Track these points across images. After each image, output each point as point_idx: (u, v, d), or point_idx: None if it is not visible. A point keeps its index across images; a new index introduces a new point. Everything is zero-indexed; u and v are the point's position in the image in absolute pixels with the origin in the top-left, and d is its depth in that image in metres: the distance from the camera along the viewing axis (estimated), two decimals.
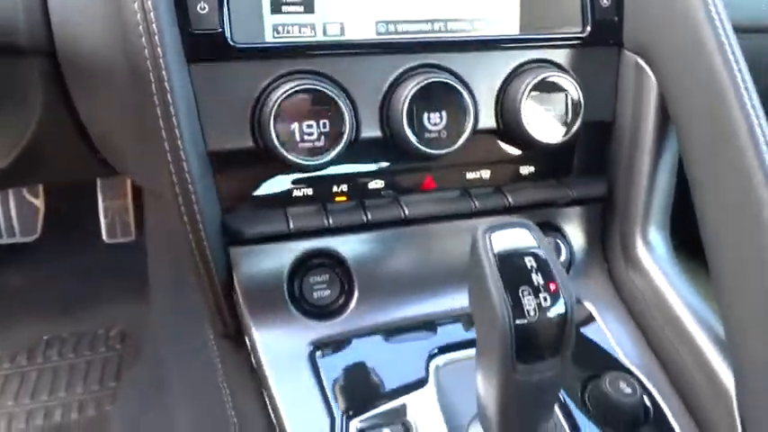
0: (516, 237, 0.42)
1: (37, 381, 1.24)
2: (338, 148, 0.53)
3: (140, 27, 0.46)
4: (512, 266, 0.41)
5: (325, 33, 0.55)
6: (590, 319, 0.60)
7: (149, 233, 1.22)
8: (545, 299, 0.40)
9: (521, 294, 0.40)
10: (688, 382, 0.53)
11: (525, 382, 0.41)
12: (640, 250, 0.61)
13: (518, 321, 0.39)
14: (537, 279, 0.41)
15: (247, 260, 0.55)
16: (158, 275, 1.15)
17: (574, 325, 0.41)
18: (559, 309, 0.40)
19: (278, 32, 0.54)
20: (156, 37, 0.47)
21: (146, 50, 0.47)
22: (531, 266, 0.41)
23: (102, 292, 1.39)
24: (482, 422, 0.47)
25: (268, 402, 0.50)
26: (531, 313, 0.40)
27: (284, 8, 0.53)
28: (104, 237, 1.35)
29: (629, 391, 0.51)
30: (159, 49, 0.47)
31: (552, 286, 0.41)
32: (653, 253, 0.61)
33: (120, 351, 1.31)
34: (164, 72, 0.47)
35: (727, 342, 0.51)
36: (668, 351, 0.56)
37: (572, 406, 0.51)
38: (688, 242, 0.63)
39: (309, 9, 0.54)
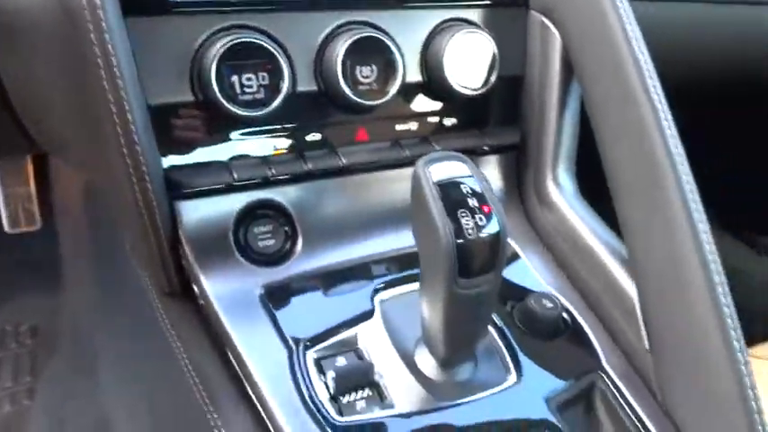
0: (452, 168, 0.47)
1: None
2: (278, 100, 0.55)
3: None
4: (450, 193, 0.46)
5: None
6: (512, 253, 0.66)
7: (61, 219, 1.17)
8: (481, 219, 0.45)
9: (460, 217, 0.45)
10: (598, 299, 0.61)
11: (467, 294, 0.46)
12: (552, 190, 0.69)
13: (459, 240, 0.44)
14: (473, 203, 0.46)
15: (192, 213, 0.56)
16: (74, 261, 1.11)
17: (506, 242, 0.46)
18: (494, 227, 0.45)
19: None
20: None
21: (84, 3, 0.47)
22: (467, 192, 0.46)
23: (7, 287, 1.31)
24: (427, 343, 0.52)
25: (227, 347, 0.52)
26: (470, 233, 0.45)
27: None
28: (6, 227, 1.27)
29: (550, 305, 0.57)
30: (98, 1, 0.47)
31: (486, 209, 0.46)
32: (563, 192, 0.68)
33: (32, 346, 1.25)
34: (103, 24, 0.47)
35: (629, 261, 0.59)
36: (579, 274, 0.63)
37: (502, 324, 0.57)
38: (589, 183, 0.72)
39: None
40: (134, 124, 0.49)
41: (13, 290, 1.30)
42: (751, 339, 0.55)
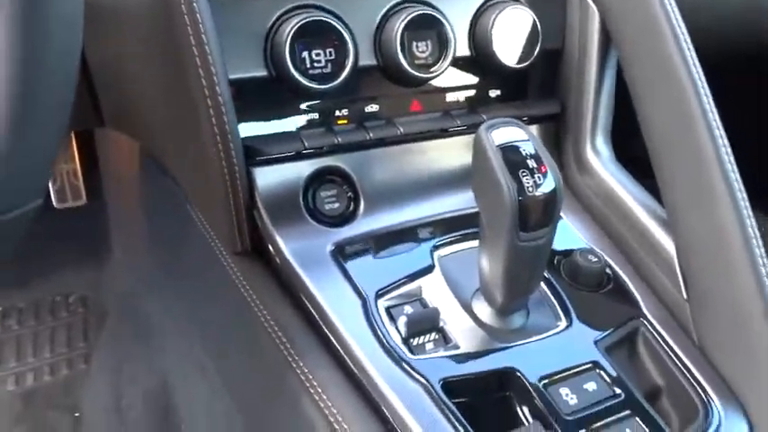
0: (512, 132, 0.52)
1: (0, 350, 1.23)
2: (344, 74, 0.60)
3: None
4: (511, 155, 0.51)
5: None
6: None
7: (110, 193, 1.22)
8: (539, 178, 0.50)
9: (521, 176, 0.50)
10: (637, 255, 0.65)
11: (526, 247, 0.51)
12: (590, 157, 0.73)
13: (521, 198, 0.49)
14: (531, 164, 0.51)
15: (267, 178, 0.61)
16: (125, 232, 1.17)
17: (562, 198, 0.51)
18: (550, 185, 0.50)
19: None
20: None
21: None
22: (526, 154, 0.51)
23: (55, 259, 1.37)
24: (484, 293, 0.57)
25: (304, 298, 0.58)
26: (530, 190, 0.50)
27: None
28: (54, 202, 1.33)
29: (594, 259, 0.63)
30: None
31: (543, 169, 0.51)
32: (600, 158, 0.73)
33: (84, 315, 1.31)
34: (194, 4, 0.52)
35: (667, 219, 0.63)
36: (619, 233, 0.68)
37: (551, 278, 0.62)
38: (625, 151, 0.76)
39: None
40: (222, 96, 0.55)
41: (62, 263, 1.37)
42: None
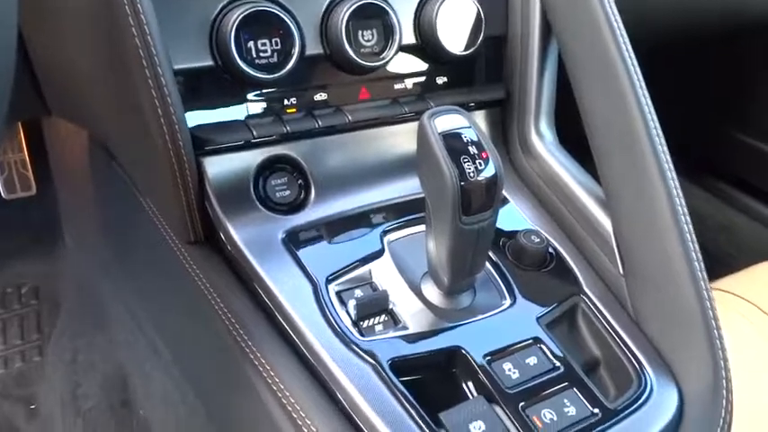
0: (454, 120, 0.54)
1: None
2: (290, 63, 0.61)
3: None
4: (453, 142, 0.52)
5: None
6: (502, 198, 0.73)
7: (60, 183, 1.20)
8: (480, 164, 0.52)
9: (462, 162, 0.52)
10: (578, 234, 0.69)
11: (469, 229, 0.53)
12: (534, 140, 0.76)
13: (462, 183, 0.51)
14: (473, 150, 0.52)
15: (216, 168, 0.62)
16: (76, 222, 1.15)
17: (503, 183, 0.53)
18: (491, 171, 0.52)
19: None
20: None
21: None
22: (467, 141, 0.53)
23: (6, 250, 1.35)
24: (432, 275, 0.60)
25: (256, 285, 0.59)
26: (472, 175, 0.52)
27: None
28: (3, 193, 1.30)
29: (537, 240, 0.65)
30: None
31: (484, 155, 0.53)
32: (544, 141, 0.76)
33: (37, 306, 1.29)
34: None
35: (605, 200, 0.66)
36: (561, 213, 0.71)
37: (497, 259, 0.64)
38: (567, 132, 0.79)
39: None
40: (167, 86, 0.55)
41: (13, 254, 1.34)
42: None
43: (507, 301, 0.61)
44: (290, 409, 0.53)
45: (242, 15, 0.58)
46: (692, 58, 1.55)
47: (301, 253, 0.61)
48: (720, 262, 1.35)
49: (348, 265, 0.61)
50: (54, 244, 1.29)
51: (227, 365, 0.63)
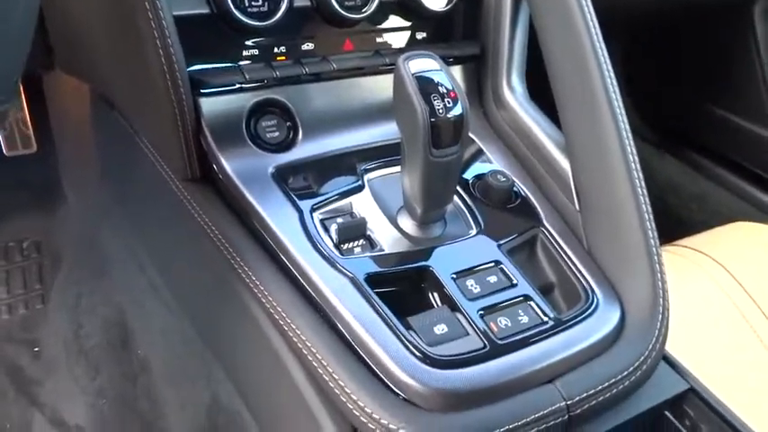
0: (426, 63, 0.60)
1: None
2: (280, 12, 0.67)
3: None
4: (425, 82, 0.59)
5: None
6: (474, 146, 0.80)
7: (61, 138, 1.25)
8: (449, 102, 0.59)
9: (432, 100, 0.58)
10: (541, 175, 0.75)
11: (439, 162, 0.60)
12: (506, 93, 0.82)
13: (432, 119, 0.58)
14: (442, 90, 0.59)
15: (212, 107, 0.68)
16: (77, 174, 1.21)
17: (468, 121, 0.60)
18: (458, 109, 0.59)
19: None
20: None
21: None
22: (438, 81, 0.59)
23: (7, 208, 1.40)
24: (407, 207, 0.66)
25: (249, 214, 0.65)
26: (441, 112, 0.58)
27: None
28: (4, 150, 1.34)
29: (503, 179, 0.72)
30: None
31: (452, 95, 0.59)
32: (515, 94, 0.82)
33: (39, 259, 1.35)
34: None
35: (566, 145, 0.73)
36: (527, 158, 0.77)
37: (465, 195, 0.71)
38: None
39: None
40: (168, 30, 0.61)
41: (14, 211, 1.39)
42: None
43: (474, 231, 0.68)
44: (277, 317, 0.60)
45: None
46: (668, 37, 1.61)
47: (289, 186, 0.67)
48: (694, 229, 1.42)
49: (331, 197, 0.67)
50: (55, 201, 1.34)
51: (222, 289, 0.70)
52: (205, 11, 0.65)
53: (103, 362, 1.09)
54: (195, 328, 0.83)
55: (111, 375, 1.07)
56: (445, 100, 0.59)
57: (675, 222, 1.77)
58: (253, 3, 0.66)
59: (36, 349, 1.19)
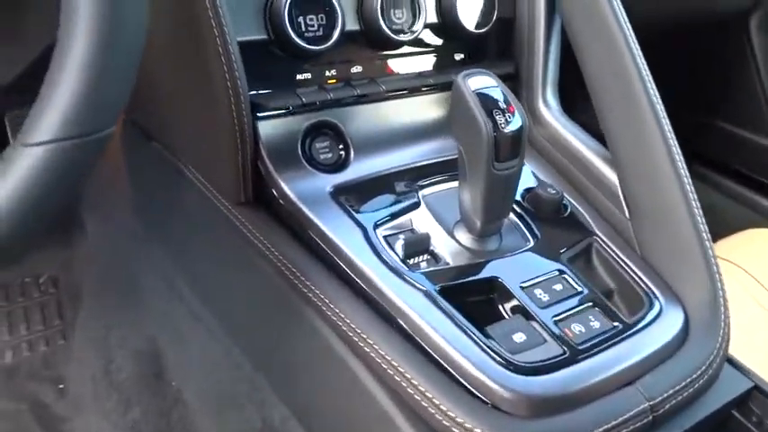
0: (484, 80, 0.62)
1: None
2: (335, 36, 0.69)
3: None
4: (485, 98, 0.61)
5: None
6: None
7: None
8: (509, 117, 0.61)
9: (494, 115, 0.60)
10: (587, 188, 0.77)
11: (501, 175, 0.61)
12: (542, 109, 0.85)
13: (495, 133, 0.59)
14: (502, 105, 0.61)
15: (269, 131, 0.69)
16: (103, 204, 1.20)
17: (527, 133, 0.62)
18: (518, 122, 0.61)
19: None
20: None
21: None
22: (497, 97, 0.61)
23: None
24: (464, 221, 0.67)
25: (312, 233, 0.65)
26: (503, 126, 0.60)
27: None
28: None
29: (552, 191, 0.74)
30: None
31: (511, 109, 0.61)
32: (551, 110, 0.84)
33: (57, 295, 1.33)
34: None
35: (611, 157, 0.75)
36: (570, 172, 0.79)
37: (518, 208, 0.73)
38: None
39: None
40: (234, 56, 0.62)
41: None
42: None
43: (531, 243, 0.69)
44: (351, 335, 0.60)
45: None
46: (666, 51, 1.67)
47: (349, 205, 0.68)
48: None
49: (390, 215, 0.68)
50: (72, 233, 1.33)
51: (283, 312, 0.70)
52: (264, 36, 0.67)
53: (135, 395, 1.07)
54: (246, 355, 0.83)
55: (145, 409, 1.05)
56: (506, 115, 0.61)
57: None
58: (309, 28, 0.68)
59: (61, 386, 1.17)
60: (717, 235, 1.35)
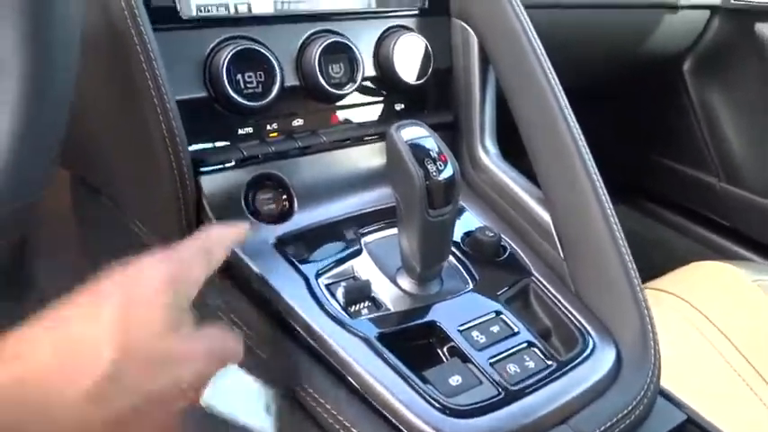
0: (416, 131, 0.65)
1: None
2: (273, 93, 0.71)
3: (122, 2, 0.61)
4: (417, 148, 0.63)
5: (236, 11, 0.73)
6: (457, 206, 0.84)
7: (33, 224, 1.24)
8: (440, 165, 0.63)
9: (426, 164, 0.63)
10: (523, 229, 0.80)
11: (435, 222, 0.64)
12: (481, 155, 0.88)
13: (427, 181, 0.62)
14: (433, 154, 0.64)
15: (212, 185, 0.70)
16: (53, 260, 1.19)
17: (460, 182, 0.64)
18: (449, 171, 0.63)
19: (200, 11, 0.71)
20: (135, 9, 0.61)
21: (127, 18, 0.61)
22: (429, 147, 0.64)
23: None
24: (405, 267, 0.69)
25: (253, 283, 0.66)
26: (434, 175, 0.62)
27: None
28: None
29: (491, 234, 0.76)
30: (138, 18, 0.61)
31: (443, 158, 0.64)
32: (489, 156, 0.88)
33: None
34: (143, 30, 0.62)
35: (544, 199, 0.78)
36: (508, 214, 0.82)
37: (458, 252, 0.75)
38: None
39: None
40: (172, 113, 0.64)
41: None
42: None
43: (470, 285, 0.71)
44: (297, 389, 0.60)
45: (232, 53, 0.68)
46: (609, 96, 1.75)
47: (291, 255, 0.70)
48: (654, 272, 1.50)
49: (333, 262, 0.70)
50: (21, 285, 1.31)
51: None
52: (203, 94, 0.69)
53: None
54: None
55: None
56: (437, 163, 0.63)
57: (638, 268, 1.87)
58: (248, 85, 0.70)
59: None
60: (665, 267, 1.40)
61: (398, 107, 0.86)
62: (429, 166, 0.63)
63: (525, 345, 0.64)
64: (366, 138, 0.81)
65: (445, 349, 0.63)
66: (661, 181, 1.71)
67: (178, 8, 0.68)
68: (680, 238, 1.67)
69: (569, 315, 0.70)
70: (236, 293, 0.69)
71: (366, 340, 0.61)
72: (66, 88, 0.45)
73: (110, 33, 0.62)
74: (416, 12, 0.87)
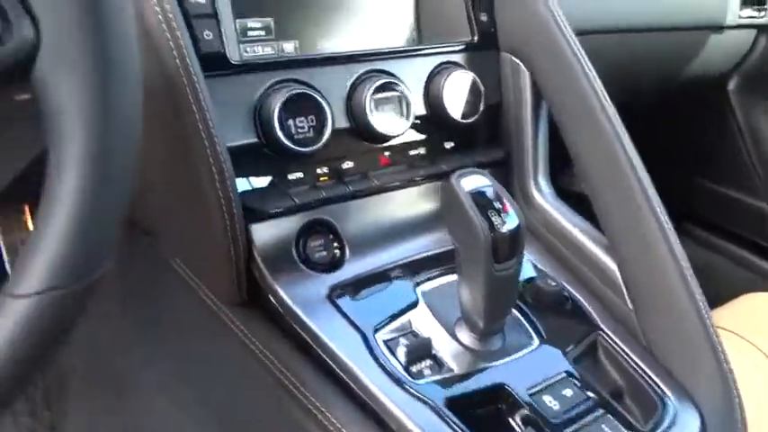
0: (477, 180, 0.61)
1: None
2: (325, 137, 0.68)
3: (174, 51, 0.58)
4: (480, 198, 0.60)
5: (283, 50, 0.71)
6: None
7: None
8: (504, 216, 0.60)
9: (490, 216, 0.59)
10: (586, 276, 0.76)
11: (500, 276, 0.60)
12: (535, 194, 0.84)
13: (492, 233, 0.58)
14: (497, 204, 0.60)
15: (263, 233, 0.67)
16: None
17: (525, 232, 0.60)
18: (514, 221, 0.60)
19: (245, 52, 0.68)
20: (186, 58, 0.59)
21: (179, 67, 0.58)
22: (491, 197, 0.60)
23: None
24: (466, 320, 0.65)
25: (309, 339, 0.63)
26: (499, 227, 0.59)
27: (249, 33, 0.68)
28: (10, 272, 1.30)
29: (553, 283, 0.72)
30: (189, 67, 0.59)
31: (506, 208, 0.60)
32: (543, 195, 0.84)
33: (41, 385, 1.28)
34: (197, 84, 0.59)
35: (608, 245, 0.74)
36: (568, 259, 0.78)
37: (520, 302, 0.71)
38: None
39: (269, 34, 0.69)
40: (225, 162, 0.61)
41: None
42: None
43: (536, 341, 0.67)
44: None
45: (284, 98, 0.65)
46: (651, 120, 1.70)
47: (346, 307, 0.66)
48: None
49: (390, 316, 0.66)
50: None
51: (277, 417, 0.67)
52: (254, 140, 0.66)
53: None
54: None
55: None
56: (501, 214, 0.60)
57: None
58: (299, 130, 0.67)
59: None
60: (716, 297, 1.34)
61: (448, 145, 0.83)
62: (493, 218, 0.59)
63: (602, 411, 0.60)
64: (417, 179, 0.78)
65: (518, 417, 0.59)
66: (708, 206, 1.65)
67: (227, 53, 0.65)
68: (730, 266, 1.60)
69: (644, 374, 0.65)
70: (291, 351, 0.66)
71: (433, 407, 0.57)
72: (131, 154, 0.43)
73: (163, 82, 0.59)
74: (465, 47, 0.83)
